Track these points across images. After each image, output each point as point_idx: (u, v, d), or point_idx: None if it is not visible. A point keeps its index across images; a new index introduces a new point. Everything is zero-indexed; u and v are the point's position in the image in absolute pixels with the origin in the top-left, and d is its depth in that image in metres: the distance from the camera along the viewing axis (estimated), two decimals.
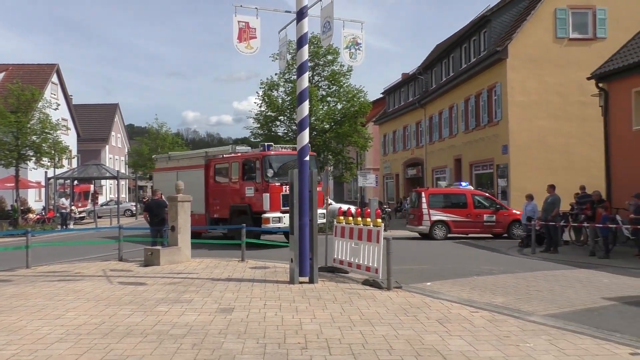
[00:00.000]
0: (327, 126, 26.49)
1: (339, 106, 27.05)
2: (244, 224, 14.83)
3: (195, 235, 16.01)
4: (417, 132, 38.42)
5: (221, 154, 20.01)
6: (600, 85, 18.43)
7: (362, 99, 26.40)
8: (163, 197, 15.21)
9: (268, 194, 17.13)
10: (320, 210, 14.61)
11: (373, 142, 32.85)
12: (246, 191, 17.95)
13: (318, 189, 12.89)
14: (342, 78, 26.51)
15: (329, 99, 27.24)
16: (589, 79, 19.39)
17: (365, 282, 10.05)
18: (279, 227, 17.02)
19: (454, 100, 31.27)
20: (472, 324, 6.94)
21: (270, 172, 17.27)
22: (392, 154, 44.03)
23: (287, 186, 12.32)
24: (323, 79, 27.21)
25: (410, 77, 40.56)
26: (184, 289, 9.49)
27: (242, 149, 19.24)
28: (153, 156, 25.45)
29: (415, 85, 39.26)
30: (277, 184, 17.22)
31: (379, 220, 10.47)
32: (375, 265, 10.08)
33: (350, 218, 11.33)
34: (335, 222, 11.94)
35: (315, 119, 25.97)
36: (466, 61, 30.08)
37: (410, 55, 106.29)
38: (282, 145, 19.27)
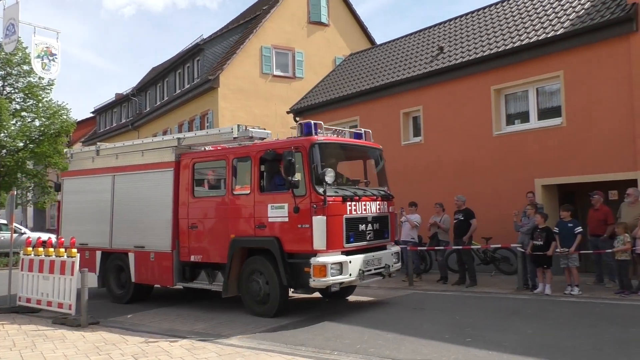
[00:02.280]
0: (21, 144, 23.29)
1: (37, 123, 24.08)
2: (262, 273, 9.04)
3: (141, 291, 11.19)
4: None
5: (209, 144, 11.00)
6: (297, 119, 20.53)
7: (65, 117, 24.03)
8: None
9: (324, 218, 8.48)
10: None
11: None
12: (269, 212, 9.04)
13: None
14: (40, 92, 23.71)
15: (24, 113, 23.98)
16: (288, 112, 21.46)
17: (56, 321, 8.96)
18: (341, 282, 8.71)
19: (168, 124, 31.05)
20: (170, 355, 6.71)
21: (328, 176, 8.53)
22: None
23: (353, 203, 9.02)
24: (17, 90, 23.87)
25: (124, 98, 38.92)
26: None
27: (257, 132, 9.84)
28: (65, 150, 14.28)
29: (129, 107, 37.81)
30: (336, 198, 8.76)
31: (74, 250, 9.46)
32: (68, 301, 9.09)
33: (41, 249, 10.04)
34: (22, 255, 10.42)
35: (5, 136, 22.58)
36: (180, 86, 30.28)
37: (125, 75, 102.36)
38: (334, 127, 10.23)
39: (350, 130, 10.26)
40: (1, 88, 23.62)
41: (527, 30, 14.13)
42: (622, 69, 11.82)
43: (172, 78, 31.45)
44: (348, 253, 8.74)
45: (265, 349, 6.91)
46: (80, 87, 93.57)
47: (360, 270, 8.85)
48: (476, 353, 6.51)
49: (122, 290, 11.29)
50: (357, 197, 9.13)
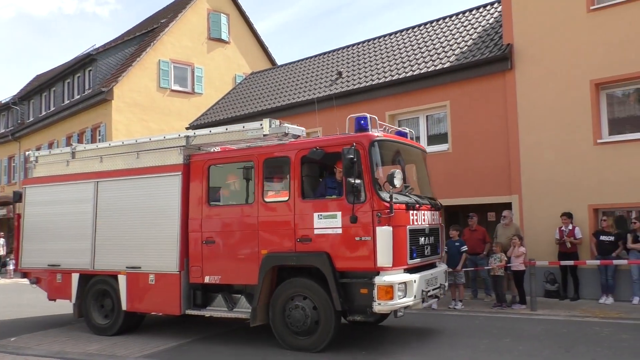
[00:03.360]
0: None
1: None
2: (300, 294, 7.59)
3: (132, 321, 9.38)
4: (10, 167, 34.26)
5: (227, 143, 9.15)
6: None
7: None
8: None
9: (390, 229, 7.25)
10: None
11: None
12: (316, 222, 7.61)
13: None
14: None
15: None
16: (187, 128, 21.18)
17: None
18: (406, 305, 7.45)
19: (55, 136, 29.29)
20: None
21: (397, 179, 7.23)
22: None
23: (415, 212, 7.80)
24: None
25: (4, 106, 36.13)
26: None
27: (293, 128, 8.35)
28: (27, 153, 12.01)
29: (9, 116, 35.19)
30: (399, 206, 7.55)
31: None
32: None
33: None
34: None
35: None
36: (69, 97, 28.78)
37: (4, 81, 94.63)
38: (382, 123, 8.78)
39: (395, 128, 9.14)
40: None
41: (418, 62, 15.23)
42: (498, 102, 13.13)
43: (60, 87, 29.82)
44: (408, 271, 7.55)
45: None
46: None
47: (422, 291, 7.68)
48: None
49: (106, 320, 9.40)
50: (418, 206, 8.02)
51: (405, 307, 7.39)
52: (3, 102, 36.55)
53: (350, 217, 7.26)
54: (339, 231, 7.37)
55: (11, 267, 22.47)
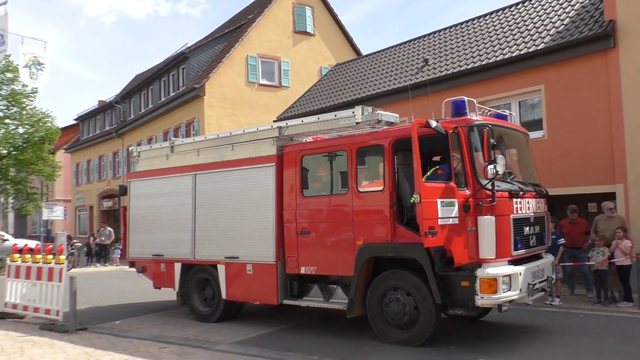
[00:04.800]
0: (5, 152, 23.13)
1: (21, 130, 23.96)
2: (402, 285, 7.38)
3: (232, 309, 9.66)
4: (115, 162, 36.70)
5: (319, 133, 9.04)
6: None
7: (50, 124, 23.93)
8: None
9: (493, 218, 7.05)
10: None
11: (63, 172, 30.06)
12: (440, 210, 6.98)
13: None
14: (24, 99, 23.60)
15: (7, 121, 23.84)
16: (275, 121, 21.58)
17: (44, 327, 8.97)
18: (511, 299, 7.14)
19: (153, 132, 30.99)
20: None
21: (500, 165, 6.88)
22: (86, 184, 40.92)
23: (518, 200, 7.46)
24: (1, 98, 23.77)
25: (107, 105, 38.74)
26: None
27: (386, 115, 8.06)
28: (130, 148, 12.98)
29: (113, 114, 37.64)
30: (502, 194, 7.22)
31: (62, 257, 9.50)
32: (56, 307, 9.10)
33: (28, 256, 10.04)
34: (8, 261, 10.39)
35: None
36: (165, 94, 30.29)
37: (108, 82, 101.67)
38: (483, 107, 8.69)
39: (494, 110, 8.70)
40: None
41: (510, 45, 14.51)
42: (599, 83, 12.20)
43: (157, 86, 31.44)
44: (512, 263, 7.20)
45: (254, 355, 7.04)
46: (59, 94, 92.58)
47: (528, 284, 7.31)
48: None
49: (208, 308, 9.70)
50: (522, 193, 7.65)
51: (510, 301, 7.09)
52: (107, 101, 39.18)
53: (463, 206, 6.95)
54: (456, 221, 6.93)
55: (117, 255, 24.10)
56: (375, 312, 7.58)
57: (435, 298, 7.00)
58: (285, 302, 8.64)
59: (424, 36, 19.52)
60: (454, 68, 15.40)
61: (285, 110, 21.82)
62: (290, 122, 9.13)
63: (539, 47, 13.33)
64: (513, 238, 7.16)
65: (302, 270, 8.39)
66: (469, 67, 14.89)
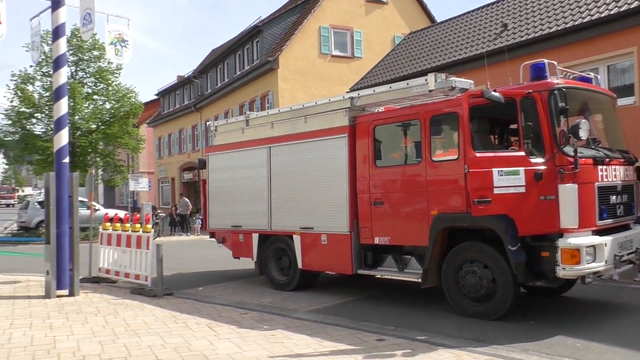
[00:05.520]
0: (94, 126, 24.57)
1: (108, 105, 25.33)
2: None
3: (308, 278, 9.86)
4: (194, 135, 38.09)
5: (391, 102, 8.98)
6: None
7: (134, 99, 25.15)
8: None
9: (575, 186, 6.65)
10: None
11: (146, 145, 31.63)
12: (496, 180, 6.93)
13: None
14: (110, 76, 24.87)
15: (95, 97, 25.28)
16: (348, 92, 21.50)
17: (134, 291, 9.57)
18: (596, 271, 6.79)
19: (229, 106, 31.80)
20: (241, 325, 7.09)
21: (583, 130, 6.58)
22: (167, 157, 42.88)
23: (604, 167, 7.08)
24: (89, 75, 25.13)
25: (186, 80, 40.06)
26: None
27: (460, 82, 7.70)
28: (208, 122, 13.04)
29: (191, 89, 38.91)
30: (585, 161, 6.83)
31: (149, 226, 10.07)
32: (145, 273, 9.67)
33: (118, 224, 10.69)
34: (101, 229, 11.13)
35: (79, 118, 23.86)
36: (240, 68, 30.86)
37: (186, 57, 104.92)
38: (566, 70, 8.19)
39: (577, 73, 8.20)
40: (74, 73, 24.83)
41: (598, 4, 13.57)
42: None
43: (232, 60, 32.07)
44: (597, 233, 6.86)
45: (331, 323, 7.18)
46: (140, 70, 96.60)
47: (615, 255, 6.89)
48: None
49: (284, 277, 9.95)
50: (608, 160, 7.21)
51: (595, 273, 6.75)
52: (185, 76, 40.49)
53: (534, 174, 6.71)
54: (522, 190, 6.79)
55: (197, 225, 25.20)
56: (451, 284, 7.47)
57: (513, 270, 6.83)
58: (360, 271, 8.70)
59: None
60: (535, 32, 14.64)
61: (358, 82, 21.67)
62: (362, 92, 9.09)
63: (632, 6, 12.38)
64: (598, 207, 6.82)
65: (376, 241, 8.41)
66: (552, 30, 14.11)
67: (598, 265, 6.68)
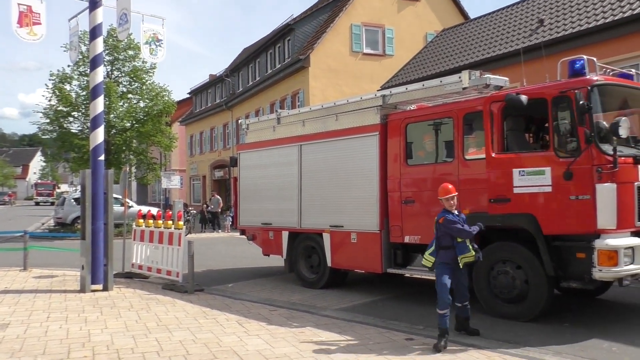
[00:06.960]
0: (128, 124, 25.02)
1: (142, 104, 25.76)
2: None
3: (337, 276, 9.88)
4: (225, 133, 38.48)
5: (424, 100, 8.87)
6: None
7: (167, 98, 25.51)
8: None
9: (613, 186, 6.39)
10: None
11: (178, 143, 32.13)
12: (516, 180, 7.04)
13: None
14: (144, 75, 25.29)
15: (130, 96, 25.75)
16: (379, 90, 21.38)
17: (166, 287, 9.71)
18: (635, 273, 6.55)
19: (260, 104, 31.99)
20: (270, 322, 7.11)
21: (623, 128, 6.30)
22: (199, 155, 43.42)
23: None
24: (123, 74, 25.61)
25: (218, 79, 40.47)
26: None
27: (494, 79, 7.65)
28: (240, 120, 13.47)
29: (222, 87, 39.29)
30: (625, 160, 6.57)
31: (180, 222, 10.21)
32: (176, 269, 9.80)
33: (151, 221, 10.87)
34: (134, 226, 11.33)
35: (114, 117, 24.34)
36: (271, 67, 31.00)
37: (218, 56, 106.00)
38: (606, 66, 7.87)
39: (617, 70, 7.90)
40: (110, 72, 25.34)
41: None
42: None
43: (264, 58, 32.24)
44: (636, 234, 6.59)
45: (359, 322, 7.15)
46: (173, 69, 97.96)
47: None
48: None
49: (314, 275, 9.97)
50: None
51: (633, 276, 6.50)
52: (217, 75, 40.91)
53: (564, 173, 6.54)
54: (548, 189, 6.70)
55: (228, 222, 25.44)
56: (482, 285, 7.36)
57: (547, 270, 6.70)
58: (390, 270, 8.64)
59: None
60: (573, 28, 14.28)
61: (389, 79, 21.53)
62: (394, 90, 8.97)
63: None
64: (638, 207, 6.56)
65: (406, 239, 8.34)
66: (590, 25, 13.74)
67: (636, 267, 6.45)
